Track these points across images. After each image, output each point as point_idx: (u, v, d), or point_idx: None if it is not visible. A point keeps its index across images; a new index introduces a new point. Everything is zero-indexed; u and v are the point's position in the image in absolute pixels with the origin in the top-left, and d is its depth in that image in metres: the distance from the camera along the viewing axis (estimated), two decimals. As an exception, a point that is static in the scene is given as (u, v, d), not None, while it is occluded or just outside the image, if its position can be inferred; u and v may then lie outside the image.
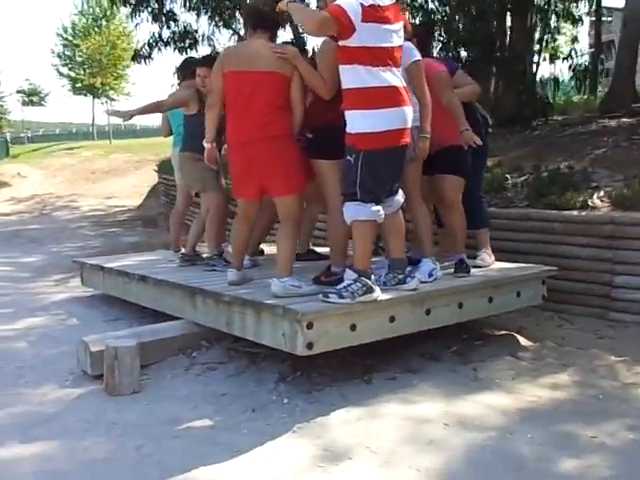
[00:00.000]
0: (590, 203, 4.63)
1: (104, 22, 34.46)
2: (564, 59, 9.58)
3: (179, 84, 5.51)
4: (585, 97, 10.88)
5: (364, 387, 3.51)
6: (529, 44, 9.12)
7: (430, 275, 3.79)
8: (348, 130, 3.30)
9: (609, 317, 4.48)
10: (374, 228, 3.30)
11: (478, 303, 3.91)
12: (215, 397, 3.43)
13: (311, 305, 3.24)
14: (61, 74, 35.73)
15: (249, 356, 3.89)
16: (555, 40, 10.69)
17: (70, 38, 34.91)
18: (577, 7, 10.41)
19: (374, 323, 3.42)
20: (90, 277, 5.71)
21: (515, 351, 4.04)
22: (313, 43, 10.73)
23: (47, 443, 2.94)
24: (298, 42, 8.41)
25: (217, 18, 11.05)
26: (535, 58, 9.37)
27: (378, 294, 3.33)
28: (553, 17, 9.37)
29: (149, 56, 11.09)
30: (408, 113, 3.26)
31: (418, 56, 3.67)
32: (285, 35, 10.18)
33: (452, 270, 4.06)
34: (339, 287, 3.29)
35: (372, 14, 3.11)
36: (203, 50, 12.69)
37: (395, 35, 3.23)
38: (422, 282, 3.65)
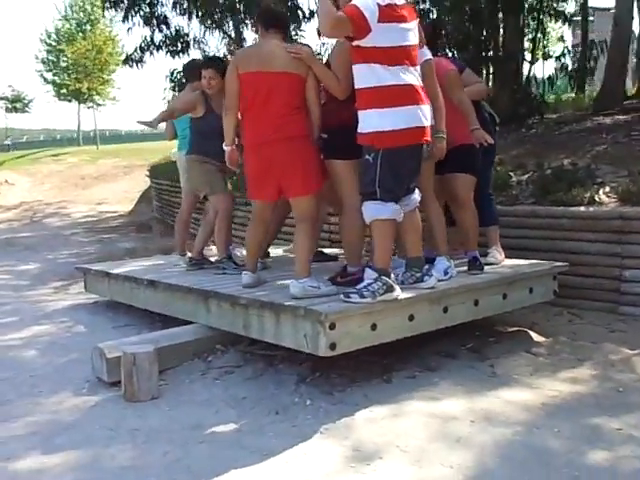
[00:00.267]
0: (597, 199, 4.67)
1: (88, 27, 34.26)
2: (557, 58, 9.66)
3: (178, 88, 5.51)
4: (573, 95, 11.00)
5: (385, 386, 3.51)
6: (521, 43, 9.18)
7: (445, 273, 3.80)
8: (362, 129, 3.29)
9: (619, 311, 4.52)
10: (394, 227, 3.30)
11: (493, 300, 3.93)
12: (236, 401, 3.41)
13: (333, 305, 3.23)
14: (45, 80, 35.47)
15: (266, 359, 3.88)
16: (548, 39, 10.78)
17: (54, 43, 34.65)
18: (564, 6, 10.54)
19: (394, 322, 3.42)
20: (94, 283, 5.66)
21: (529, 347, 4.06)
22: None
23: (71, 452, 2.90)
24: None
25: (209, 21, 11.01)
26: (528, 57, 9.42)
27: (398, 293, 3.33)
28: (543, 16, 9.42)
29: (141, 60, 11.04)
30: (426, 111, 3.27)
31: (429, 55, 3.68)
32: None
33: (462, 268, 4.08)
34: (360, 287, 3.29)
35: (389, 14, 3.11)
36: (194, 53, 12.68)
37: (412, 34, 3.24)
38: (439, 280, 3.66)
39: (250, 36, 12.05)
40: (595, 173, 5.09)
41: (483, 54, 8.86)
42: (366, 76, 3.19)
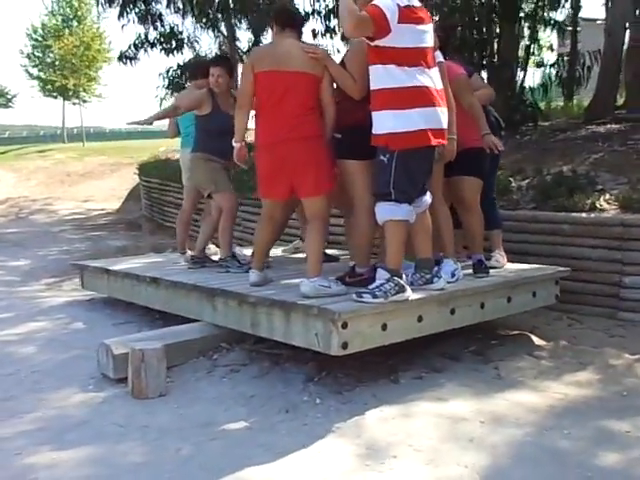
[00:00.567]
0: (598, 205, 4.74)
1: (75, 23, 33.95)
2: (551, 66, 9.78)
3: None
4: (562, 104, 11.15)
5: (392, 387, 3.52)
6: (516, 51, 9.29)
7: (453, 275, 3.83)
8: (377, 130, 3.32)
9: (618, 317, 4.58)
10: (406, 228, 3.33)
11: (498, 303, 3.97)
12: (245, 399, 3.41)
13: (345, 305, 3.24)
14: (30, 75, 35.05)
15: (271, 357, 3.88)
16: (541, 47, 10.92)
17: (40, 39, 34.28)
18: (556, 15, 10.69)
19: (403, 323, 3.44)
20: (92, 280, 5.61)
21: (531, 350, 4.10)
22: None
23: (82, 448, 2.88)
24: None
25: (204, 20, 10.99)
26: (522, 64, 9.53)
27: (409, 294, 3.35)
28: (538, 25, 9.54)
29: (135, 57, 10.98)
30: (442, 114, 3.30)
31: (441, 58, 3.71)
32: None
33: (466, 271, 4.11)
34: (372, 287, 3.30)
35: (408, 15, 3.14)
36: (187, 52, 12.66)
37: (428, 35, 3.27)
38: (447, 282, 3.69)
39: (243, 36, 12.07)
40: (595, 180, 5.16)
41: (478, 61, 8.93)
42: (382, 77, 3.21)
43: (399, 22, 3.10)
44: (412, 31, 3.16)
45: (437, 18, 8.04)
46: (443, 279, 3.61)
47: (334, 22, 10.98)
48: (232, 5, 11.25)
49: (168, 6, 11.33)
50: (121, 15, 10.65)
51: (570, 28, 11.62)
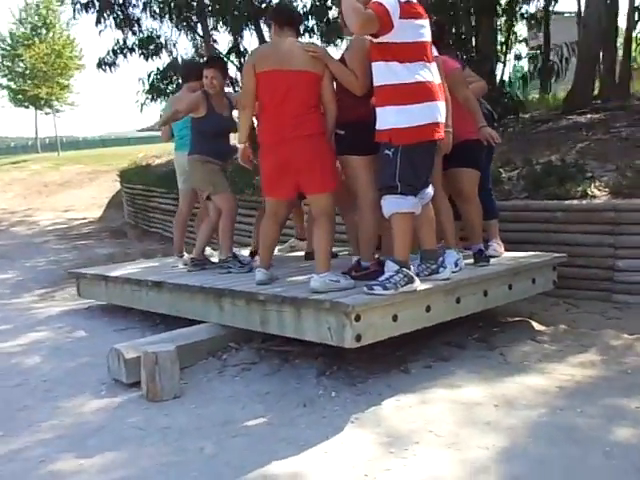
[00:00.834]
0: (589, 192, 4.86)
1: (44, 31, 33.52)
2: (530, 59, 9.95)
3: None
4: (538, 96, 11.34)
5: (404, 377, 3.59)
6: (495, 45, 9.43)
7: (456, 265, 3.90)
8: (381, 126, 3.37)
9: (613, 299, 4.70)
10: (413, 220, 3.39)
11: (500, 291, 4.05)
12: (260, 396, 3.44)
13: (357, 298, 3.30)
14: (0, 85, 34.55)
15: (281, 355, 3.92)
16: (519, 41, 11.10)
17: (9, 48, 33.77)
18: (529, 8, 10.89)
19: (413, 313, 3.51)
20: (89, 288, 5.59)
21: (533, 335, 4.20)
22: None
23: (106, 453, 2.89)
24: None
25: (184, 23, 10.96)
26: (501, 58, 9.68)
27: (418, 284, 3.42)
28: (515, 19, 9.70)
29: (114, 63, 10.91)
30: (441, 108, 3.37)
31: (436, 52, 3.77)
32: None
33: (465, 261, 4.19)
34: (382, 279, 3.36)
35: (408, 10, 3.20)
36: (165, 56, 12.60)
37: (426, 30, 3.34)
38: (452, 272, 3.76)
39: (222, 38, 12.09)
40: (584, 168, 5.28)
41: (459, 55, 9.04)
42: (384, 74, 3.27)
43: (400, 17, 3.16)
44: (412, 26, 3.23)
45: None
46: (448, 269, 3.68)
47: (312, 22, 11.04)
48: (210, 7, 11.25)
49: (144, 10, 11.29)
50: (98, 21, 10.58)
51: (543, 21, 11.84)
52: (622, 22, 10.71)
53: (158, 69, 11.25)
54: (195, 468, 2.71)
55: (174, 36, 11.63)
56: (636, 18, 9.96)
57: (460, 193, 4.20)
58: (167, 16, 11.15)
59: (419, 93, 3.28)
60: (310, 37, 11.18)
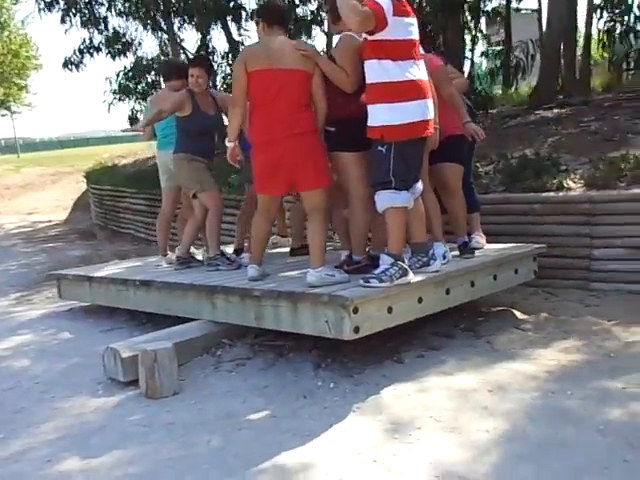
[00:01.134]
0: (565, 185, 5.03)
1: (-1, 30, 32.66)
2: (496, 55, 10.18)
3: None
4: (500, 91, 11.63)
5: (398, 366, 3.68)
6: (463, 41, 9.62)
7: (444, 257, 4.01)
8: (372, 123, 3.45)
9: (590, 287, 4.88)
10: (406, 214, 3.48)
11: (485, 281, 4.18)
12: (259, 389, 3.49)
13: (354, 291, 3.37)
14: (-47, 87, 33.50)
15: (274, 349, 3.98)
16: (486, 37, 11.32)
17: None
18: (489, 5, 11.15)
19: (406, 305, 3.60)
20: (71, 289, 5.54)
21: (517, 324, 4.33)
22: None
23: (112, 450, 2.91)
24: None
25: (150, 22, 10.86)
26: (468, 54, 9.90)
27: (412, 276, 3.51)
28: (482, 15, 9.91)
29: (81, 62, 10.75)
30: (430, 105, 3.46)
31: (421, 50, 3.87)
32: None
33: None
34: (377, 272, 3.44)
35: (399, 8, 3.29)
36: (130, 55, 12.45)
37: (415, 28, 3.43)
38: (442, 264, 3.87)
39: (189, 37, 12.02)
40: (558, 161, 5.46)
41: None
42: (377, 71, 3.35)
43: (394, 15, 3.24)
44: (403, 24, 3.31)
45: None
46: (438, 261, 3.79)
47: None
48: (176, 5, 11.17)
49: (110, 9, 11.15)
50: (63, 20, 10.40)
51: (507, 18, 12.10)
52: (580, 21, 11.07)
53: (125, 68, 11.13)
54: (205, 461, 2.75)
55: (141, 35, 11.52)
56: (599, 16, 10.26)
57: (445, 187, 4.31)
58: (133, 15, 11.01)
59: (410, 91, 3.36)
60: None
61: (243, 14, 10.86)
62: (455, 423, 2.93)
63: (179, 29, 11.55)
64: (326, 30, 12.32)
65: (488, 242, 4.76)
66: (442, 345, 3.98)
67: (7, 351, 4.63)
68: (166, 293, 4.46)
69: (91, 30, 10.66)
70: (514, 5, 11.97)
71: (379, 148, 3.40)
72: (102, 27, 10.82)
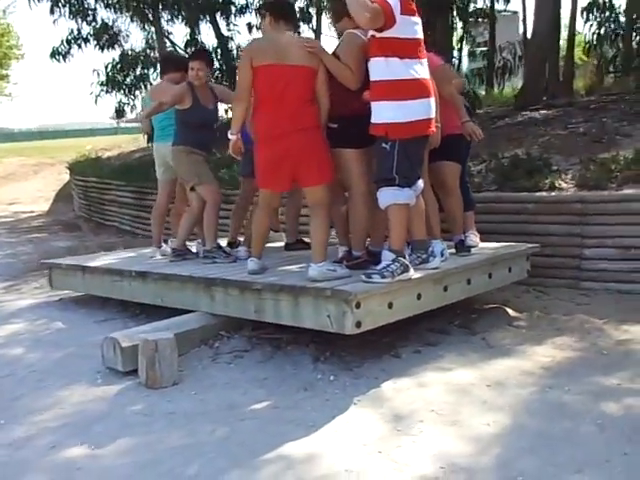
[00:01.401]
0: (557, 184, 5.13)
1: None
2: (483, 56, 10.29)
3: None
4: (484, 92, 11.77)
5: (396, 361, 3.73)
6: (450, 42, 9.71)
7: (442, 254, 4.06)
8: (377, 120, 3.48)
9: (580, 286, 4.98)
10: (408, 211, 3.52)
11: (481, 279, 4.25)
12: (259, 381, 3.51)
13: (356, 286, 3.41)
14: None
15: (272, 342, 4.00)
16: (474, 38, 11.43)
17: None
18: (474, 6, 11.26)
19: (406, 301, 3.64)
20: (64, 279, 5.50)
21: (510, 321, 4.41)
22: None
23: (115, 438, 2.91)
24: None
25: (139, 15, 10.77)
26: (456, 54, 9.98)
27: (413, 272, 3.56)
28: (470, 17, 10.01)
29: (68, 52, 10.63)
30: (433, 104, 3.51)
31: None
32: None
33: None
34: (379, 268, 3.48)
35: (406, 6, 3.32)
36: (118, 48, 12.33)
37: (420, 27, 3.47)
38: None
39: (178, 31, 11.97)
40: (549, 161, 5.56)
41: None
42: (383, 69, 3.38)
43: (401, 13, 3.27)
44: (410, 22, 3.35)
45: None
46: (438, 258, 3.84)
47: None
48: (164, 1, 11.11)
49: (98, 1, 11.05)
50: (52, 10, 10.28)
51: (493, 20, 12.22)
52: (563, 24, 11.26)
53: (114, 60, 11.03)
54: (210, 450, 2.76)
55: (129, 27, 11.43)
56: (585, 19, 10.43)
57: (443, 186, 4.37)
58: (122, 7, 10.92)
59: (415, 89, 3.40)
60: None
61: (232, 9, 10.81)
62: (456, 417, 2.98)
63: (168, 23, 11.47)
64: (314, 28, 12.36)
65: (482, 241, 4.83)
66: (438, 341, 4.04)
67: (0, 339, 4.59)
68: (163, 284, 4.45)
69: (79, 21, 10.55)
70: (501, 7, 12.15)
71: (383, 145, 3.43)
72: (90, 18, 10.70)
